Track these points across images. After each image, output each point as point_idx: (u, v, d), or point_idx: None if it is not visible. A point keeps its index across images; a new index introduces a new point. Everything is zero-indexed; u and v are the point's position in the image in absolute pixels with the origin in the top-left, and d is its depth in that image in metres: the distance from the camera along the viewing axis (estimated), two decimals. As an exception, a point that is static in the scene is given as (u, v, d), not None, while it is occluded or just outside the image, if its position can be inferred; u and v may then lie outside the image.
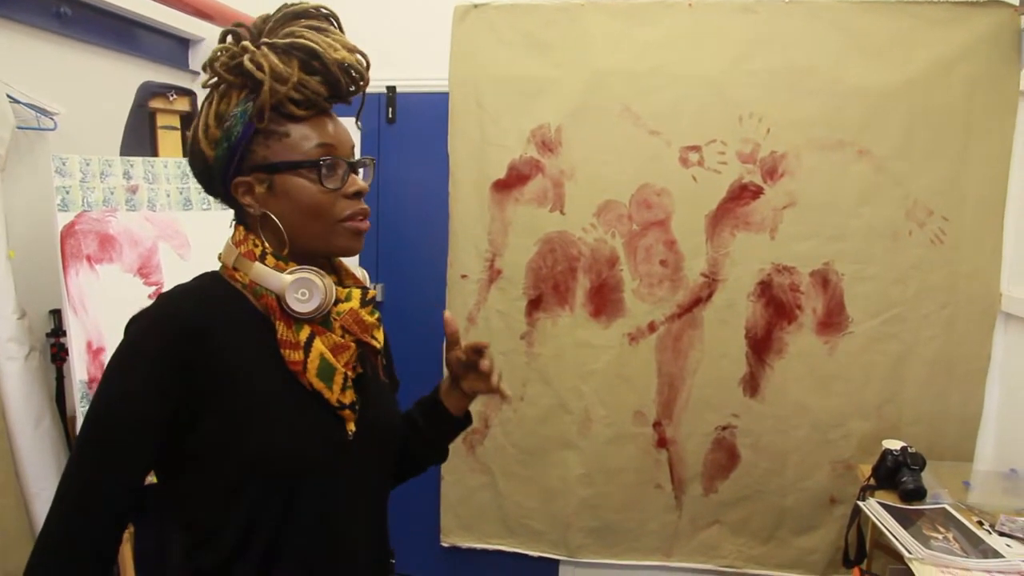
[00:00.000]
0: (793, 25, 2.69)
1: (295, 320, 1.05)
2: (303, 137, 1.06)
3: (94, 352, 2.10)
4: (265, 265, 1.06)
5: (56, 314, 2.40)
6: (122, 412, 1.02)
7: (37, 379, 2.25)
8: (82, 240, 2.12)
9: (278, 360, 1.05)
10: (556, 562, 3.08)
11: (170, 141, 2.50)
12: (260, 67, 1.03)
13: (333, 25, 1.11)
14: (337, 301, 1.08)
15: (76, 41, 2.52)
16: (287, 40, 1.05)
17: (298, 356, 1.04)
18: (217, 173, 1.09)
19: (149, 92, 2.44)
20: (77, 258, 2.10)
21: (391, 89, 3.08)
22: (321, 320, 1.06)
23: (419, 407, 1.34)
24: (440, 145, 2.97)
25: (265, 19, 1.10)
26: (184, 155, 2.52)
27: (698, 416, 2.88)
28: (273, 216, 1.07)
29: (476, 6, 2.89)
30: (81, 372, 2.07)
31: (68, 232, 2.09)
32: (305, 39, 1.05)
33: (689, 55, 2.76)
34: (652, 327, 2.87)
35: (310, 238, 1.08)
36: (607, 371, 2.91)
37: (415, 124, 3.09)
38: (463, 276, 2.97)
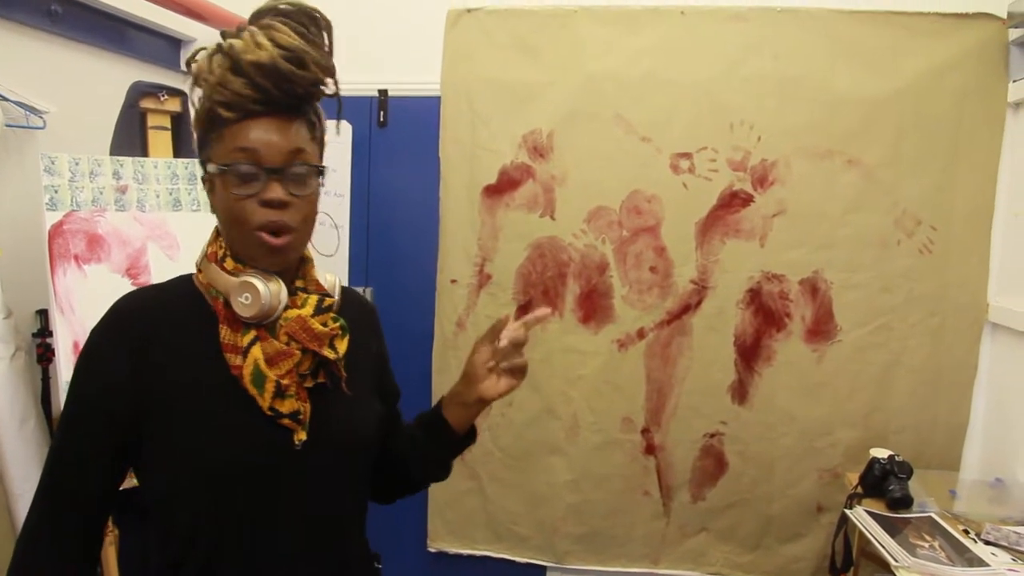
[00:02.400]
0: (784, 33, 2.71)
1: (243, 324, 1.05)
2: (229, 139, 1.03)
3: (80, 353, 2.08)
4: (223, 267, 1.06)
5: (43, 314, 2.38)
6: (80, 410, 1.06)
7: (23, 379, 2.23)
8: (70, 240, 2.10)
9: (223, 364, 1.05)
10: (543, 568, 3.07)
11: (160, 141, 2.48)
12: (191, 68, 1.05)
13: (297, 22, 1.05)
14: (293, 307, 1.07)
15: (67, 39, 2.50)
16: (229, 40, 1.04)
17: (238, 360, 1.04)
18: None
19: (140, 92, 2.43)
20: (65, 258, 2.08)
21: (383, 92, 3.08)
22: (268, 326, 1.06)
23: (420, 422, 1.32)
24: (431, 149, 2.97)
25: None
26: (175, 155, 2.51)
27: (686, 423, 2.88)
28: (217, 217, 1.08)
29: (469, 10, 2.89)
30: (67, 373, 2.05)
31: (56, 231, 2.07)
32: (237, 38, 1.03)
33: (681, 62, 2.77)
34: (641, 334, 2.87)
35: (233, 244, 1.08)
36: (596, 377, 2.90)
37: (407, 128, 3.08)
38: (453, 281, 2.97)
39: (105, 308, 1.10)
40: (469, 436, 1.32)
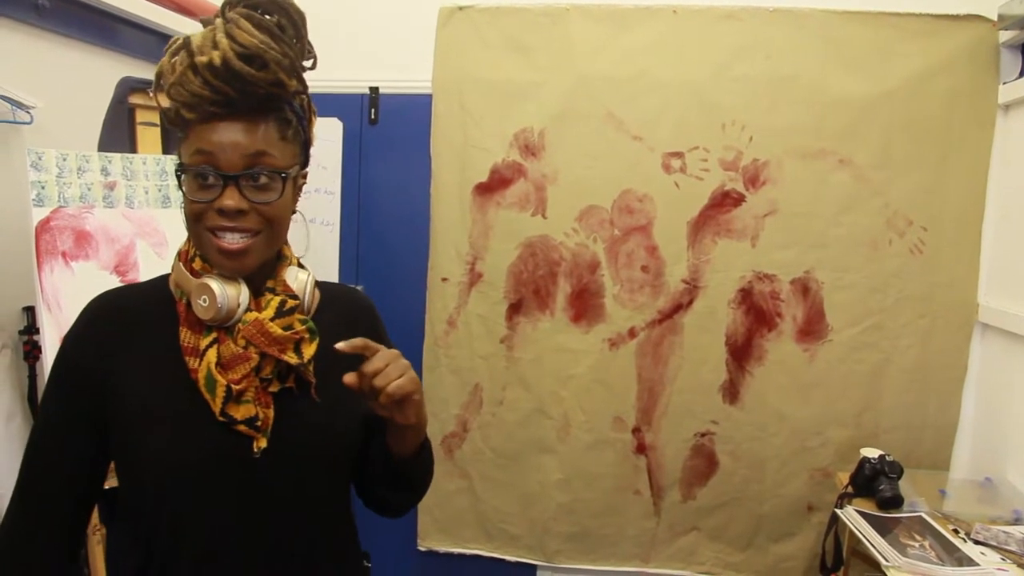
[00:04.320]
0: (777, 33, 2.70)
1: (205, 326, 1.03)
2: (192, 141, 1.00)
3: (68, 350, 2.06)
4: (191, 268, 1.05)
5: (29, 311, 2.36)
6: (54, 409, 1.07)
7: (9, 377, 2.20)
8: (57, 236, 2.08)
9: (184, 367, 1.03)
10: (534, 567, 3.07)
11: (149, 137, 2.46)
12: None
13: (265, 14, 1.00)
14: (256, 310, 1.04)
15: (54, 34, 2.47)
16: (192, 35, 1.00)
17: (196, 363, 1.02)
18: None
19: (129, 87, 2.40)
20: (52, 254, 2.06)
21: (374, 90, 3.06)
22: (228, 328, 1.03)
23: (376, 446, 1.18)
24: (423, 147, 2.96)
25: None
26: (164, 152, 2.49)
27: (677, 422, 2.87)
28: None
29: (461, 8, 2.88)
30: (54, 370, 2.03)
31: (43, 228, 2.05)
32: (198, 36, 0.99)
33: (673, 61, 2.76)
34: (632, 333, 2.87)
35: (196, 246, 1.05)
36: (587, 376, 2.90)
37: (398, 125, 3.07)
38: (444, 279, 2.95)
39: (91, 306, 1.10)
40: (414, 458, 1.16)
